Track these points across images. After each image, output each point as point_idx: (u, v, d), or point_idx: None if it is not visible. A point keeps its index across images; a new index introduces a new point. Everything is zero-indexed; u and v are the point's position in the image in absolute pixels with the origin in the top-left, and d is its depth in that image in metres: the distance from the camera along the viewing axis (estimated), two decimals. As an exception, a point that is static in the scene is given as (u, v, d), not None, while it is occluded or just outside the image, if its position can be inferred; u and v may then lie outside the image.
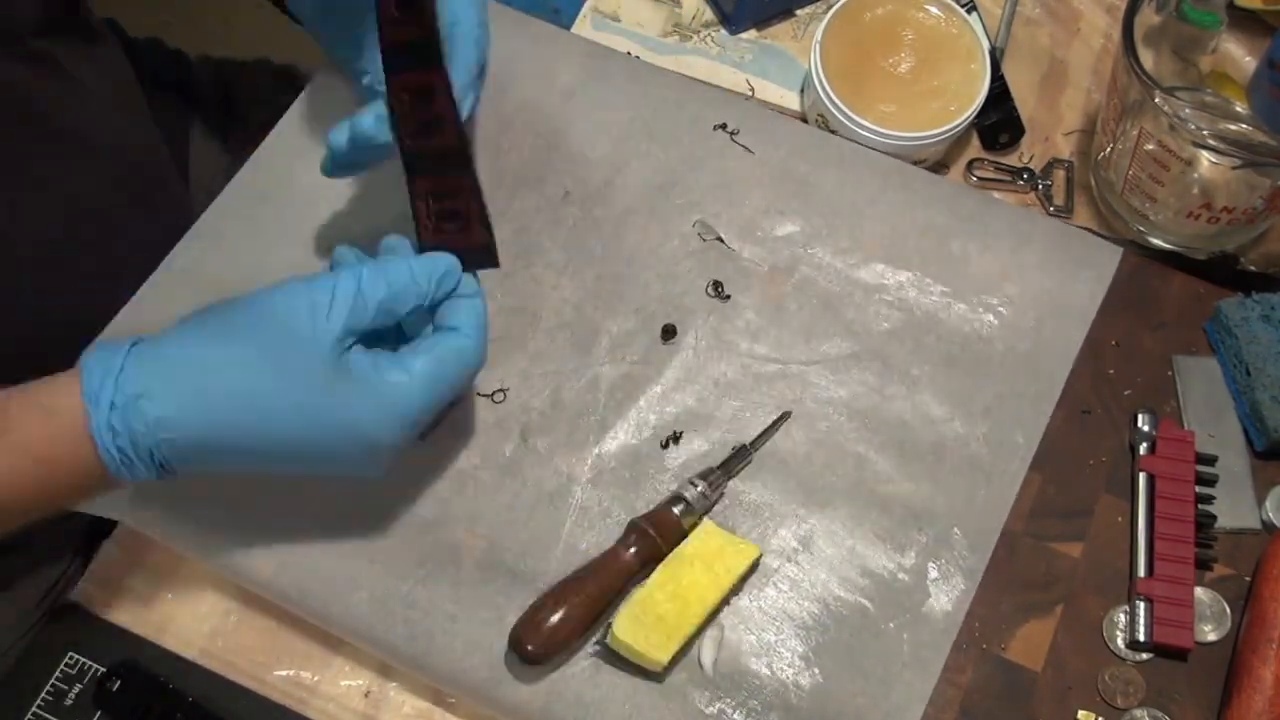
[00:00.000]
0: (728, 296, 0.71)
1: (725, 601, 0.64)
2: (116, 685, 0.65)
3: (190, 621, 0.67)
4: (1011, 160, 0.80)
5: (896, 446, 0.67)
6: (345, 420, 0.55)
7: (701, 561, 0.63)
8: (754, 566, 0.64)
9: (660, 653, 0.60)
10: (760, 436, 0.67)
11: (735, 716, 0.61)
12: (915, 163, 0.75)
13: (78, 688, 0.65)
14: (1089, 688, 0.63)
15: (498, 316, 0.70)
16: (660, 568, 0.63)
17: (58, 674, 0.66)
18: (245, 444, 0.55)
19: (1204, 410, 0.69)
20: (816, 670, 0.62)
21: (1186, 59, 0.73)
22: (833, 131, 0.76)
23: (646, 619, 0.61)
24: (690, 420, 0.68)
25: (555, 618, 0.61)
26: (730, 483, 0.66)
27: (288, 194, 0.73)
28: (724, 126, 0.75)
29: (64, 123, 0.73)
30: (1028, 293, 0.71)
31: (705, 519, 0.64)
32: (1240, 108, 0.72)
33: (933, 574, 0.64)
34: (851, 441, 0.67)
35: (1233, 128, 0.72)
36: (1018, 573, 0.65)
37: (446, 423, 0.67)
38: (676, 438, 0.67)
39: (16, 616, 0.73)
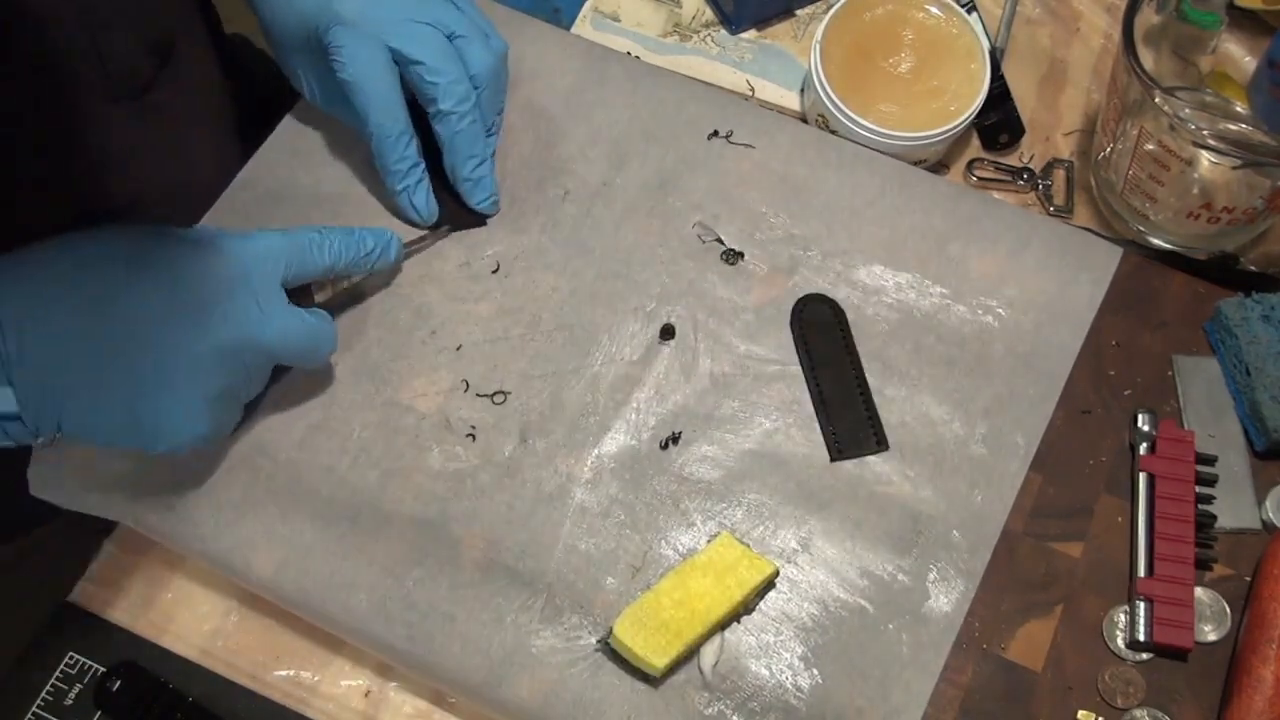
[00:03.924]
0: (727, 297, 0.71)
1: (736, 617, 0.63)
2: (116, 685, 0.65)
3: (190, 621, 0.68)
4: (1011, 160, 0.80)
5: (896, 448, 0.67)
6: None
7: (714, 572, 0.62)
8: (770, 583, 0.64)
9: (658, 658, 0.60)
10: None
11: (734, 718, 0.61)
12: (915, 163, 0.75)
13: (78, 688, 0.65)
14: (1089, 688, 0.63)
15: (497, 318, 0.70)
16: (671, 573, 0.63)
17: (58, 674, 0.66)
18: None
19: (1204, 410, 0.69)
20: (816, 671, 0.62)
21: (1186, 59, 0.73)
22: (833, 131, 0.76)
23: (649, 623, 0.61)
24: (689, 421, 0.68)
25: None
26: (729, 483, 0.66)
27: (287, 195, 0.73)
28: (717, 133, 0.75)
29: (170, 176, 0.75)
30: (1027, 293, 0.71)
31: (724, 531, 0.64)
32: (1240, 108, 0.72)
33: (932, 575, 0.64)
34: (851, 442, 0.67)
35: (1233, 128, 0.72)
36: (1018, 573, 0.65)
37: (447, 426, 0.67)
38: (676, 438, 0.67)
39: (16, 616, 0.73)
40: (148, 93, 0.73)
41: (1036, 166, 0.79)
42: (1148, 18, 0.70)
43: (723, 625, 0.63)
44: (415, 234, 0.72)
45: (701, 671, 0.62)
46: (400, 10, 0.68)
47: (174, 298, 0.57)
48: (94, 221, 0.68)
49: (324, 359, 0.66)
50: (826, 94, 0.74)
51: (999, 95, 0.78)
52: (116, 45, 0.68)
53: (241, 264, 0.59)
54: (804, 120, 0.80)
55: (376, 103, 0.67)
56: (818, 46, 0.75)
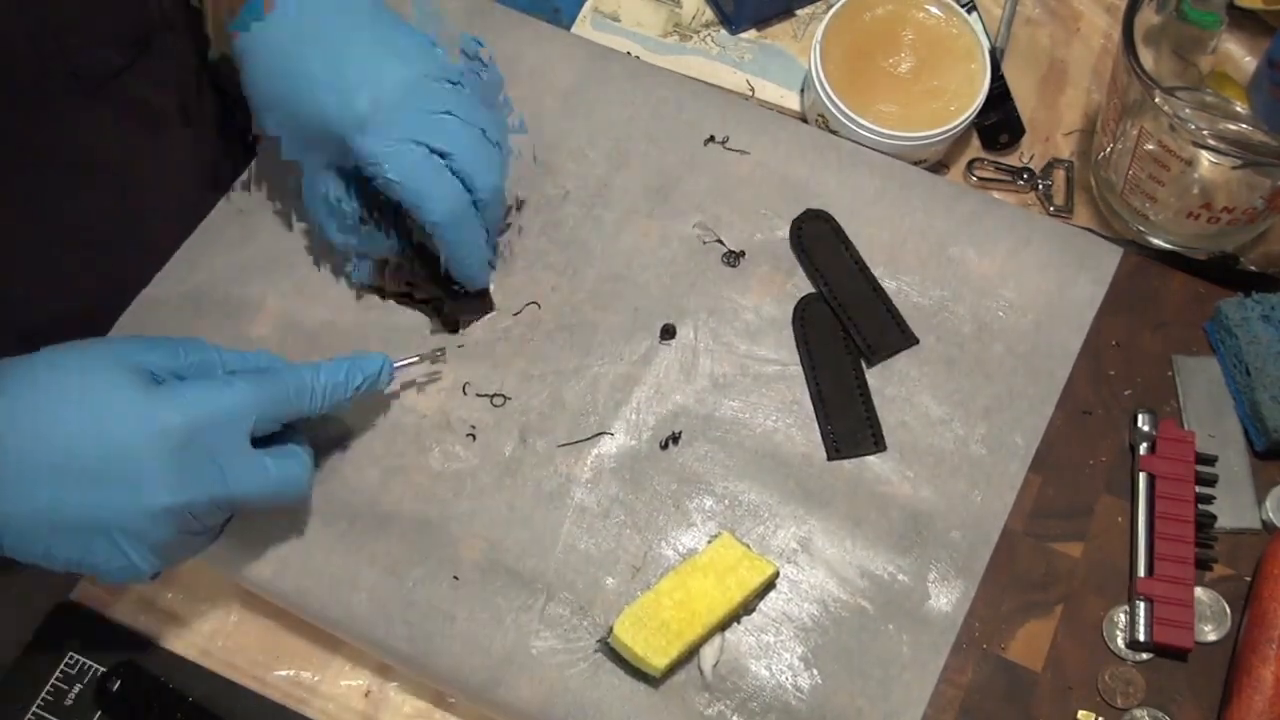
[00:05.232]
0: (727, 298, 0.71)
1: (736, 618, 0.63)
2: (116, 685, 0.65)
3: (190, 621, 0.68)
4: (1011, 160, 0.80)
5: (896, 448, 0.67)
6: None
7: (714, 572, 0.62)
8: (770, 584, 0.64)
9: (659, 658, 0.60)
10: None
11: (734, 718, 0.61)
12: (915, 163, 0.75)
13: (78, 688, 0.65)
14: (1089, 688, 0.63)
15: (498, 318, 0.71)
16: (671, 574, 0.63)
17: (58, 674, 0.66)
18: None
19: (1204, 410, 0.69)
20: (816, 672, 0.62)
21: (1186, 59, 0.73)
22: (833, 131, 0.76)
23: (650, 623, 0.61)
24: (689, 421, 0.68)
25: None
26: (729, 483, 0.66)
27: (274, 212, 0.73)
28: (713, 139, 0.75)
29: (146, 173, 0.72)
30: (1027, 293, 0.71)
31: (725, 532, 0.64)
32: (1240, 108, 0.72)
33: (932, 575, 0.64)
34: (851, 442, 0.67)
35: (1233, 128, 0.72)
36: (1018, 573, 0.65)
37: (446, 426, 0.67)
38: (676, 438, 0.67)
39: (16, 616, 0.73)
40: (114, 81, 0.68)
41: (1036, 166, 0.79)
42: (1148, 18, 0.70)
43: (723, 626, 0.63)
44: (406, 358, 0.67)
45: (701, 672, 0.62)
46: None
47: (116, 461, 0.54)
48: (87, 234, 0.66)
49: (295, 501, 0.62)
50: (826, 94, 0.74)
51: (999, 95, 0.78)
52: (74, 38, 0.64)
53: (195, 427, 0.55)
54: (804, 120, 0.80)
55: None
56: (818, 46, 0.75)
